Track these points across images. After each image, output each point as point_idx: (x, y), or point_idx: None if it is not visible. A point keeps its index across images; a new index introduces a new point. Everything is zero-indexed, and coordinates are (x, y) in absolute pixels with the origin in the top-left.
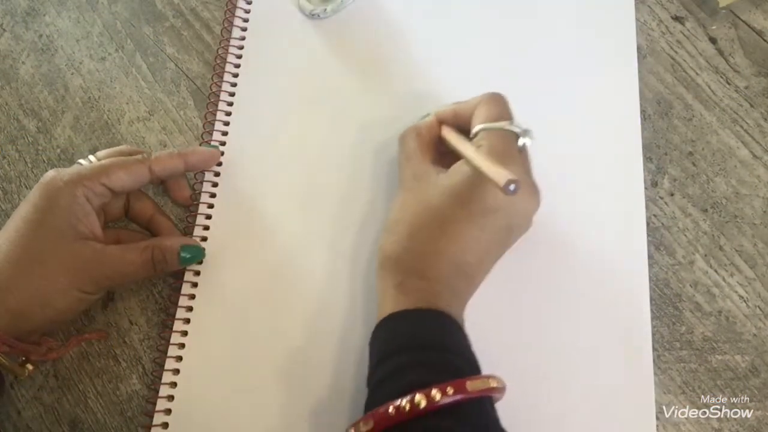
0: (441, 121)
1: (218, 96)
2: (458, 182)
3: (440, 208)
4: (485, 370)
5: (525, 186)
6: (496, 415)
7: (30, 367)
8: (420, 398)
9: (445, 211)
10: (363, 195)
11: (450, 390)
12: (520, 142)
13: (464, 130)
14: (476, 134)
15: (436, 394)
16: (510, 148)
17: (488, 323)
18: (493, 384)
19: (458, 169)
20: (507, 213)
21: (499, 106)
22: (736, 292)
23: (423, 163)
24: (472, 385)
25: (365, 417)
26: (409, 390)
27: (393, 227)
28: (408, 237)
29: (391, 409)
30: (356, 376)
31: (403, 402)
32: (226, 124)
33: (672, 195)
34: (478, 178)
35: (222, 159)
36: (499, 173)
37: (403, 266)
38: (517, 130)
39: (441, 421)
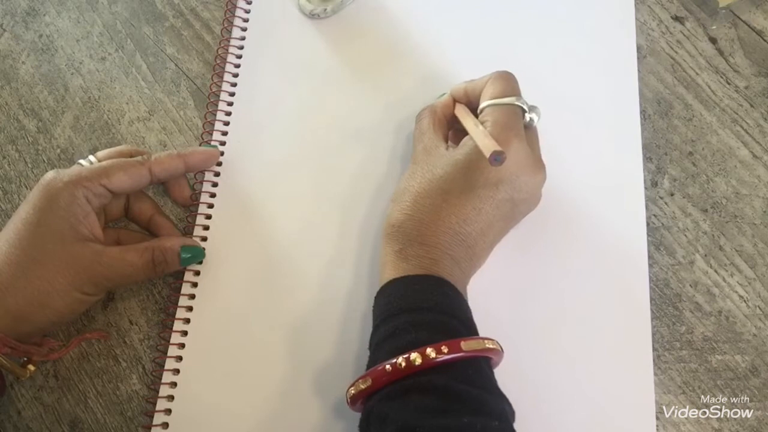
0: (456, 99)
1: (218, 96)
2: (463, 154)
3: (444, 179)
4: None
5: (529, 160)
6: (492, 376)
7: (32, 368)
8: (415, 356)
9: (448, 181)
10: (362, 194)
11: (445, 349)
12: (527, 117)
13: (473, 108)
14: (483, 110)
15: (431, 352)
16: (514, 122)
17: (488, 323)
18: (489, 345)
19: (464, 143)
20: (510, 186)
21: (506, 83)
22: (736, 292)
23: (434, 138)
24: (467, 345)
25: (364, 375)
26: (406, 349)
27: (400, 197)
28: (412, 205)
29: (388, 366)
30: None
31: (399, 360)
32: (226, 124)
33: (672, 195)
34: (482, 154)
35: (222, 159)
36: (486, 144)
37: (404, 233)
38: (523, 105)
39: (435, 377)
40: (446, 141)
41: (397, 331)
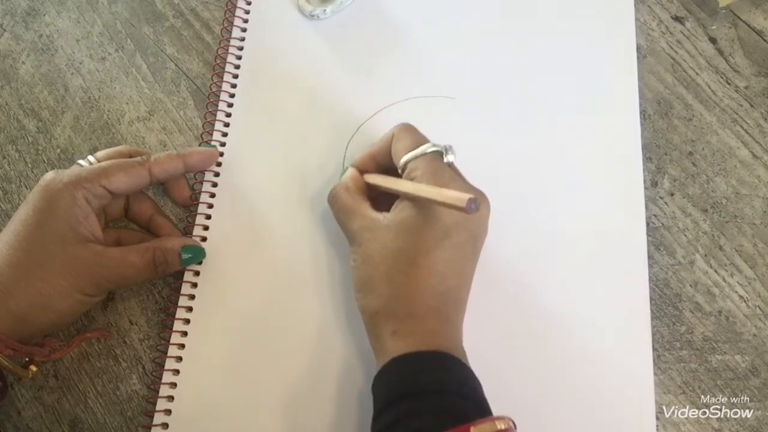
0: (361, 170)
1: (218, 96)
2: (409, 216)
3: (403, 248)
4: (485, 371)
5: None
6: None
7: (33, 368)
8: None
9: (409, 248)
10: None
11: None
12: (446, 159)
13: (387, 169)
14: (404, 167)
15: None
16: (441, 168)
17: (488, 324)
18: (501, 426)
19: (402, 205)
20: (465, 226)
21: (411, 135)
22: (736, 292)
23: (365, 213)
24: (477, 430)
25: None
26: None
27: (367, 284)
28: (386, 287)
29: None
30: (363, 374)
31: None
32: (227, 124)
33: (672, 195)
34: (424, 206)
35: (222, 159)
36: (455, 197)
37: (392, 315)
38: (439, 148)
39: None
40: (374, 211)
41: (401, 420)
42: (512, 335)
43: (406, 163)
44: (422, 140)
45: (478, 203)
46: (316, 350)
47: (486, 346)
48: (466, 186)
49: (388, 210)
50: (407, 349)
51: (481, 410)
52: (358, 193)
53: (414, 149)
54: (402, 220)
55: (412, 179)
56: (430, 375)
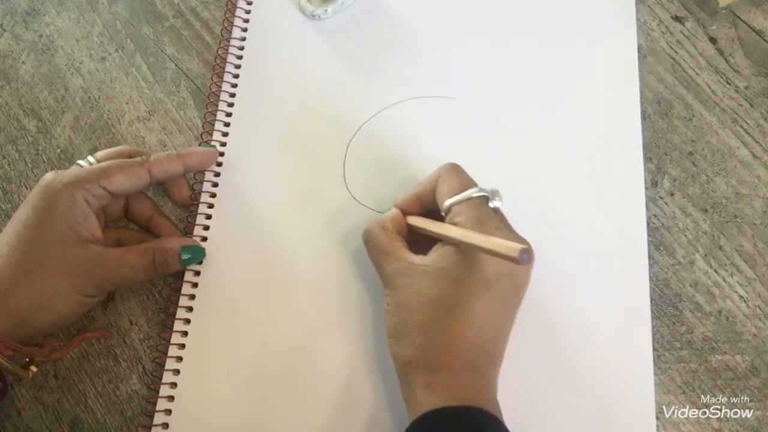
0: (404, 211)
1: (218, 96)
2: (450, 264)
3: (442, 296)
4: None
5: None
6: None
7: (34, 369)
8: None
9: (448, 296)
10: None
11: None
12: (492, 204)
13: (431, 211)
14: (447, 211)
15: None
16: (487, 215)
17: None
18: None
19: (442, 251)
20: (508, 278)
21: (459, 176)
22: (736, 292)
23: (401, 256)
24: None
25: None
26: None
27: (401, 331)
28: (421, 336)
29: None
30: (371, 391)
31: None
32: (227, 124)
33: (672, 195)
34: (467, 253)
35: (222, 159)
36: (507, 247)
37: (425, 366)
38: (485, 194)
39: None
40: (412, 254)
41: None
42: (512, 335)
43: (450, 206)
44: (469, 183)
45: (531, 254)
46: (316, 350)
47: None
48: (512, 235)
49: (425, 253)
50: (441, 403)
51: None
52: (395, 234)
53: (459, 192)
54: (442, 267)
55: (455, 224)
56: None
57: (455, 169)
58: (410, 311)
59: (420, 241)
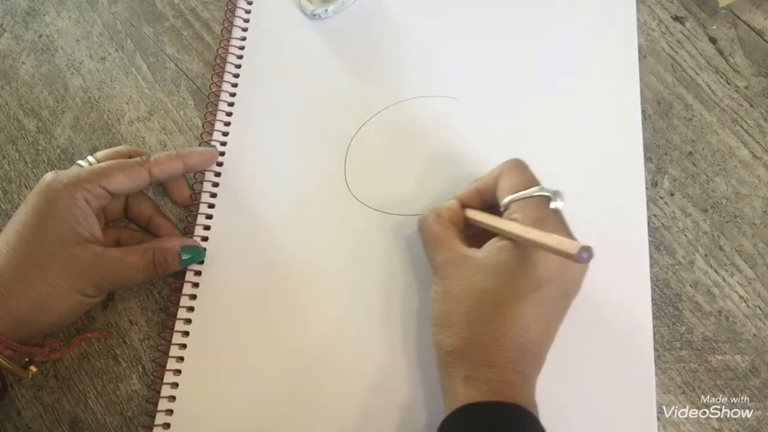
0: (464, 204)
1: (218, 96)
2: (503, 260)
3: (491, 291)
4: None
5: None
6: None
7: (33, 369)
8: None
9: (498, 292)
10: None
11: None
12: (552, 205)
13: (491, 206)
14: (507, 207)
15: None
16: (546, 215)
17: None
18: None
19: (497, 245)
20: (560, 282)
21: (522, 173)
22: (736, 292)
23: (454, 247)
24: None
25: None
26: None
27: (445, 320)
28: (466, 328)
29: None
30: (372, 393)
31: None
32: (227, 124)
33: (672, 195)
34: (523, 252)
35: (222, 159)
36: (566, 243)
37: (467, 359)
38: (547, 193)
39: None
40: (465, 246)
41: None
42: None
43: (510, 203)
44: (531, 181)
45: (591, 253)
46: (317, 351)
47: None
48: (570, 237)
49: (478, 248)
50: (480, 397)
51: None
52: (450, 224)
53: (521, 189)
54: (495, 263)
55: (513, 221)
56: (502, 428)
57: (519, 165)
58: (457, 302)
59: (475, 237)
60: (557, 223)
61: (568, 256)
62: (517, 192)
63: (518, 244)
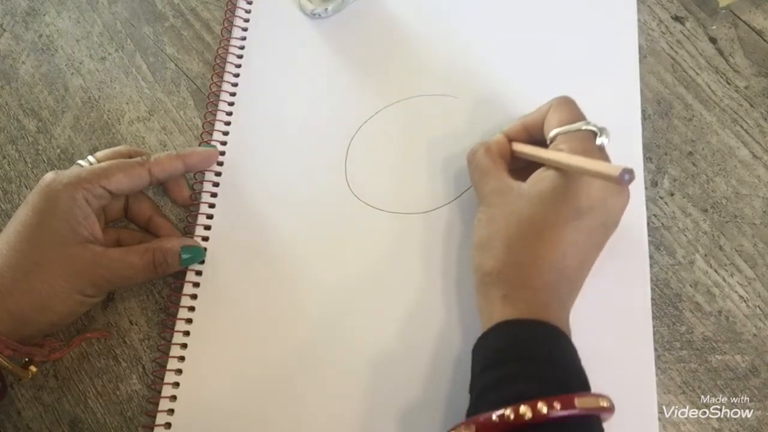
0: (511, 138)
1: (218, 96)
2: (547, 188)
3: (533, 217)
4: None
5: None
6: None
7: (33, 369)
8: (525, 409)
9: (539, 218)
10: None
11: (557, 404)
12: (598, 141)
13: (536, 141)
14: (553, 139)
15: (542, 407)
16: (591, 148)
17: None
18: (604, 404)
19: (542, 176)
20: (600, 212)
21: (571, 109)
22: (736, 292)
23: (501, 177)
24: (581, 402)
25: (467, 421)
26: (514, 400)
27: (486, 243)
28: (506, 250)
29: (494, 416)
30: (368, 376)
31: (508, 411)
32: (227, 124)
33: (672, 195)
34: (566, 181)
35: (223, 159)
36: (608, 166)
37: (506, 279)
38: (593, 128)
39: None
40: (512, 178)
41: (505, 380)
42: None
43: (556, 135)
44: (579, 116)
45: (633, 175)
46: (318, 350)
47: None
48: None
49: (523, 181)
50: (516, 315)
51: (584, 385)
52: (498, 157)
53: (568, 124)
54: (538, 191)
55: (559, 151)
56: (538, 343)
57: (568, 102)
58: (499, 227)
59: (520, 171)
60: (602, 156)
61: (610, 178)
62: (564, 125)
63: (562, 173)
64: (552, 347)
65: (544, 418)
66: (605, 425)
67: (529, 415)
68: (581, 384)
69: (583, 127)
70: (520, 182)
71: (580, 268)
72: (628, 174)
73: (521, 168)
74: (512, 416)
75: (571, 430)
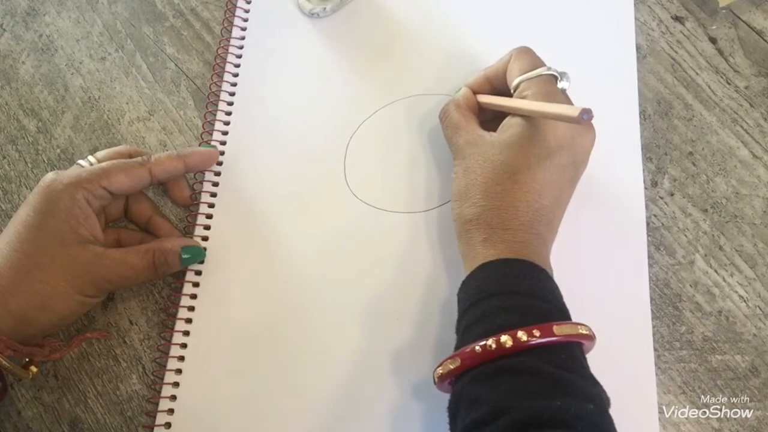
0: (475, 90)
1: (218, 96)
2: (515, 134)
3: (506, 162)
4: None
5: None
6: (585, 362)
7: (34, 369)
8: (506, 339)
9: (511, 163)
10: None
11: (536, 332)
12: (560, 85)
13: (500, 92)
14: (516, 87)
15: (522, 335)
16: (554, 91)
17: None
18: (582, 330)
19: (510, 123)
20: (569, 150)
21: (530, 57)
22: (736, 292)
23: (472, 130)
24: (559, 330)
25: (452, 355)
26: (496, 332)
27: (464, 193)
28: (483, 196)
29: (477, 347)
30: (354, 377)
31: (490, 341)
32: (227, 123)
33: (672, 195)
34: (533, 125)
35: (222, 159)
36: (567, 108)
37: (485, 223)
38: (554, 73)
39: (526, 359)
40: (483, 130)
41: (487, 314)
42: None
43: (519, 83)
44: (539, 63)
45: (591, 114)
46: (318, 349)
47: None
48: None
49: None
50: (497, 255)
51: (564, 315)
52: (468, 111)
53: (529, 71)
54: (508, 138)
55: (522, 98)
56: (517, 279)
57: (527, 51)
58: (475, 176)
59: (487, 123)
60: (564, 99)
61: (570, 119)
62: (525, 73)
63: (528, 118)
64: (531, 281)
65: (525, 346)
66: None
67: (509, 343)
68: (561, 314)
69: (544, 72)
70: (491, 132)
71: (556, 205)
72: (586, 114)
73: (489, 120)
74: (494, 346)
75: (552, 354)
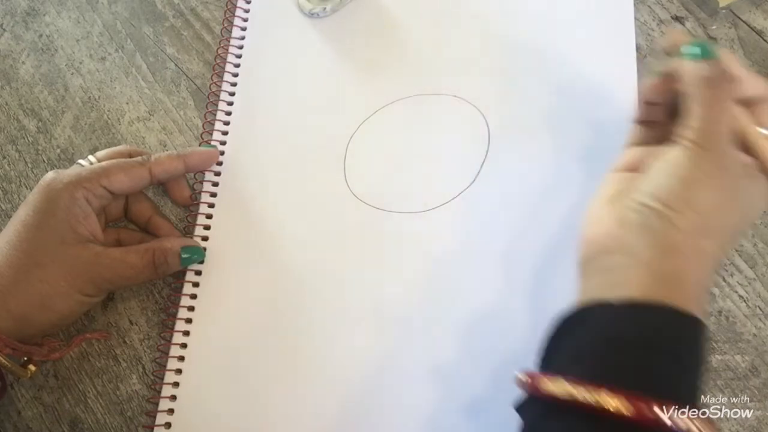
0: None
1: (218, 96)
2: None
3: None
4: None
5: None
6: None
7: (32, 368)
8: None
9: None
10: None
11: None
12: None
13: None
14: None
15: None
16: None
17: (490, 322)
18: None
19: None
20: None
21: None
22: (736, 292)
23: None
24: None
25: (624, 395)
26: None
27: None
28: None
29: (658, 409)
30: (364, 382)
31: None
32: (227, 123)
33: None
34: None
35: (222, 159)
36: None
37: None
38: None
39: None
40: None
41: (651, 368)
42: (512, 335)
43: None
44: None
45: None
46: (318, 349)
47: (487, 345)
48: None
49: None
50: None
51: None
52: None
53: None
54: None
55: None
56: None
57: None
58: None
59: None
60: None
61: None
62: None
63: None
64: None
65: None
66: None
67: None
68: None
69: None
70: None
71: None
72: None
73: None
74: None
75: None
